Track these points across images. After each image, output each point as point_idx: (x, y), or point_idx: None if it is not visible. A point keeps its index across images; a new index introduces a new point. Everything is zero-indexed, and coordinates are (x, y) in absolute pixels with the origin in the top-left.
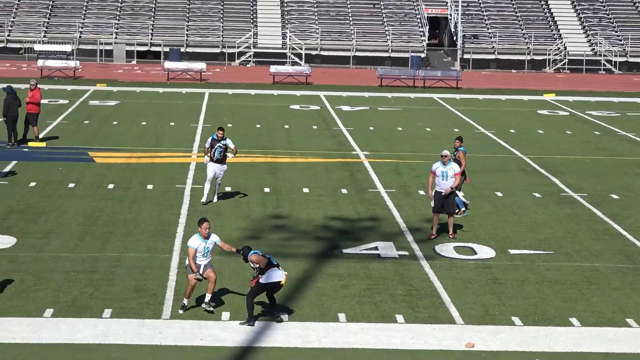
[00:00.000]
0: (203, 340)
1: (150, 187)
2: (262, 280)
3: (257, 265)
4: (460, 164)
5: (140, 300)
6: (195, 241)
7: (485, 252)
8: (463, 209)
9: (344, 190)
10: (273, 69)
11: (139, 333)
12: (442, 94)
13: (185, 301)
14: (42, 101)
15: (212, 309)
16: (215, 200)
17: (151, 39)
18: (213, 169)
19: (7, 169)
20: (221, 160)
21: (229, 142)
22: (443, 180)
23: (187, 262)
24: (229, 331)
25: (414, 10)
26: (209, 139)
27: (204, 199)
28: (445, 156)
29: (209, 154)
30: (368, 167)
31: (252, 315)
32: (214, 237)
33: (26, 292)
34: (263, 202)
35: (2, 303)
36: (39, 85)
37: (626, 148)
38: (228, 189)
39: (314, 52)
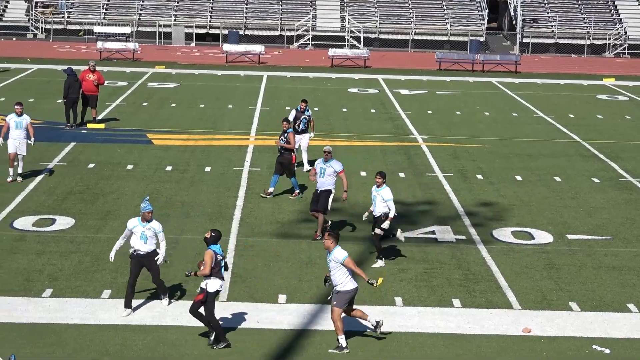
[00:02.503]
0: (259, 323)
1: (208, 169)
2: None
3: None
4: (290, 143)
5: (197, 282)
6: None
7: (542, 237)
8: (297, 190)
9: (402, 174)
10: (331, 52)
11: None
12: (501, 78)
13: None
14: None
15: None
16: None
17: (210, 22)
18: (304, 138)
19: (66, 150)
20: (305, 131)
21: (311, 113)
22: (320, 177)
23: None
24: (285, 313)
25: None
26: (293, 112)
27: (306, 167)
28: (327, 152)
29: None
30: (426, 151)
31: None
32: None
33: (84, 273)
34: None
35: (61, 284)
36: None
37: None
38: None
39: (372, 36)
